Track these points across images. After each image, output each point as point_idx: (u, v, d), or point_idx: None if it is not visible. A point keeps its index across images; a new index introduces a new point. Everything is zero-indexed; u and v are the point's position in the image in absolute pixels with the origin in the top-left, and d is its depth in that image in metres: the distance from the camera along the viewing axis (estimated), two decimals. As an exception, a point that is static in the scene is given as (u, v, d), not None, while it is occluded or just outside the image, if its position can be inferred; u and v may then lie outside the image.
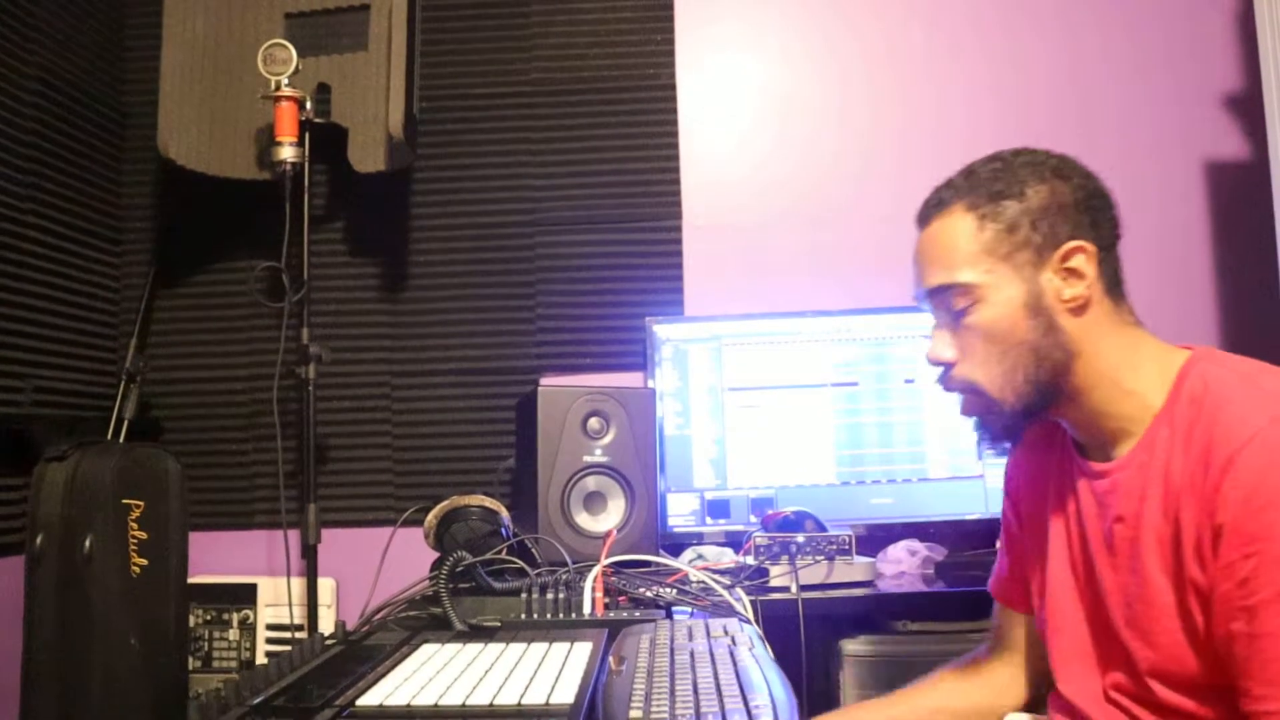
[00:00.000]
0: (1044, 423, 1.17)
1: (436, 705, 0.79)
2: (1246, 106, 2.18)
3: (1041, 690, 1.27)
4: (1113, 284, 1.06)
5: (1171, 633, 0.97)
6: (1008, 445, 1.12)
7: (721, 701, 0.75)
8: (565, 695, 0.81)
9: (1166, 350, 1.05)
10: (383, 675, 0.89)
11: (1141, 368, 1.03)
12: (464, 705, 0.79)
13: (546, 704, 0.79)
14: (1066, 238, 1.03)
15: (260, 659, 2.06)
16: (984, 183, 1.06)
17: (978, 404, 1.07)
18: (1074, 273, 1.03)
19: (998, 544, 1.33)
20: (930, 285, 1.07)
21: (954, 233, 1.06)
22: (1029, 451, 1.24)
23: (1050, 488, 1.18)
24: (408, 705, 0.80)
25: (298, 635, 2.02)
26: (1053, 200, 1.04)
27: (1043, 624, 1.18)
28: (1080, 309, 1.03)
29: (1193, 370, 1.00)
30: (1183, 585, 0.96)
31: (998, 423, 1.07)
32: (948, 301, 1.06)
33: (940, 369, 1.09)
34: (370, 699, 0.81)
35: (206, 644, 2.09)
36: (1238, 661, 0.90)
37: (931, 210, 1.09)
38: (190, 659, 2.02)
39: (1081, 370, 1.04)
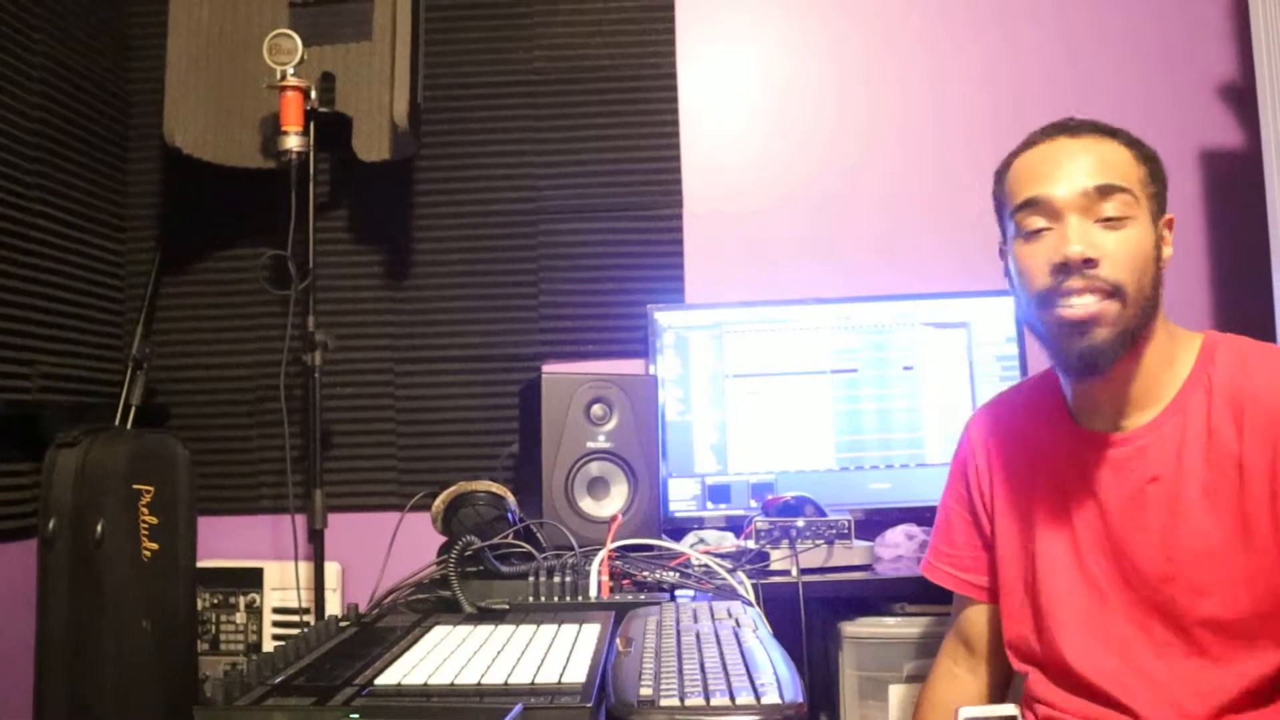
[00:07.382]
0: (1023, 396, 1.27)
1: (453, 684, 0.82)
2: (1240, 96, 2.20)
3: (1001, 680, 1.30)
4: None
5: (1227, 579, 1.04)
6: (1097, 369, 1.10)
7: (728, 680, 0.78)
8: (577, 675, 0.83)
9: (1187, 331, 1.16)
10: (398, 656, 0.92)
11: (1177, 341, 1.14)
12: (479, 684, 0.82)
13: (559, 683, 0.81)
14: (1166, 209, 1.15)
15: (267, 642, 2.09)
16: (1127, 134, 1.14)
17: (1111, 310, 1.07)
18: (1165, 241, 1.14)
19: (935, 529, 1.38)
20: (1109, 181, 1.09)
21: (1120, 154, 1.12)
22: (1001, 427, 1.28)
23: (1039, 464, 1.21)
24: (424, 684, 0.82)
25: (304, 619, 2.05)
26: (1164, 176, 1.16)
27: (1023, 604, 1.20)
28: (1161, 274, 1.13)
29: (1219, 346, 1.11)
30: (1247, 528, 1.03)
31: (1119, 333, 1.08)
32: (1113, 203, 1.09)
33: (1081, 264, 1.07)
34: (388, 678, 0.84)
35: (214, 627, 2.12)
36: None
37: (1089, 129, 1.14)
38: (198, 642, 2.05)
39: (1154, 328, 1.12)
